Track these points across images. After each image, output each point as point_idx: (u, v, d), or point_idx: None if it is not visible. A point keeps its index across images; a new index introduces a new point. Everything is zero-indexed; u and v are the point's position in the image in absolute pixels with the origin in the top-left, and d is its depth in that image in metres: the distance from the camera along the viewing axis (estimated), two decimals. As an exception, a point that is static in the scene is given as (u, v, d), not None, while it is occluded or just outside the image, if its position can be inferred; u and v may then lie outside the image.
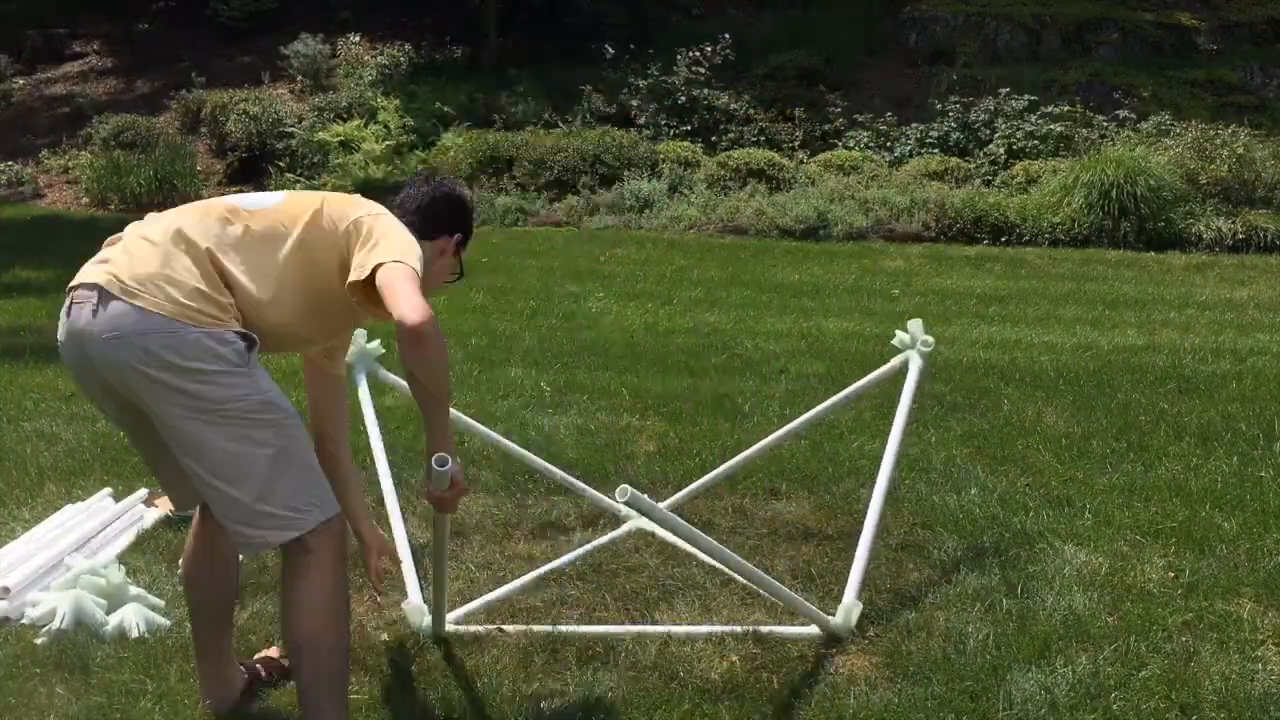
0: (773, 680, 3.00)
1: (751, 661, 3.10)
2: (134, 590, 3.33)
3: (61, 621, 3.18)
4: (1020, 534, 3.97)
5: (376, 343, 3.86)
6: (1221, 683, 3.00)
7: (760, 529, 4.04)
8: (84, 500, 4.12)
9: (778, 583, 3.02)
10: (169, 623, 3.24)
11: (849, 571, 3.39)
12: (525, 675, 3.01)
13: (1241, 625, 3.32)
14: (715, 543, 2.81)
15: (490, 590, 3.48)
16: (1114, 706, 2.89)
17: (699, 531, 2.77)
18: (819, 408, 4.11)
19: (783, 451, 4.85)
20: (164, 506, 4.05)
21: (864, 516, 3.56)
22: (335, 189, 12.30)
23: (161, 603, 3.37)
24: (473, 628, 3.23)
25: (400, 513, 3.68)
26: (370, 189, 11.94)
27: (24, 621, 3.27)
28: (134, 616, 3.20)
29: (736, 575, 2.95)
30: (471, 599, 3.43)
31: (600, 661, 3.02)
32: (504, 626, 3.24)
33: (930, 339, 3.88)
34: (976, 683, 2.98)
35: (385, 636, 3.23)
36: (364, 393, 3.88)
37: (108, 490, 4.19)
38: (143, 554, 3.77)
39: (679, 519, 2.70)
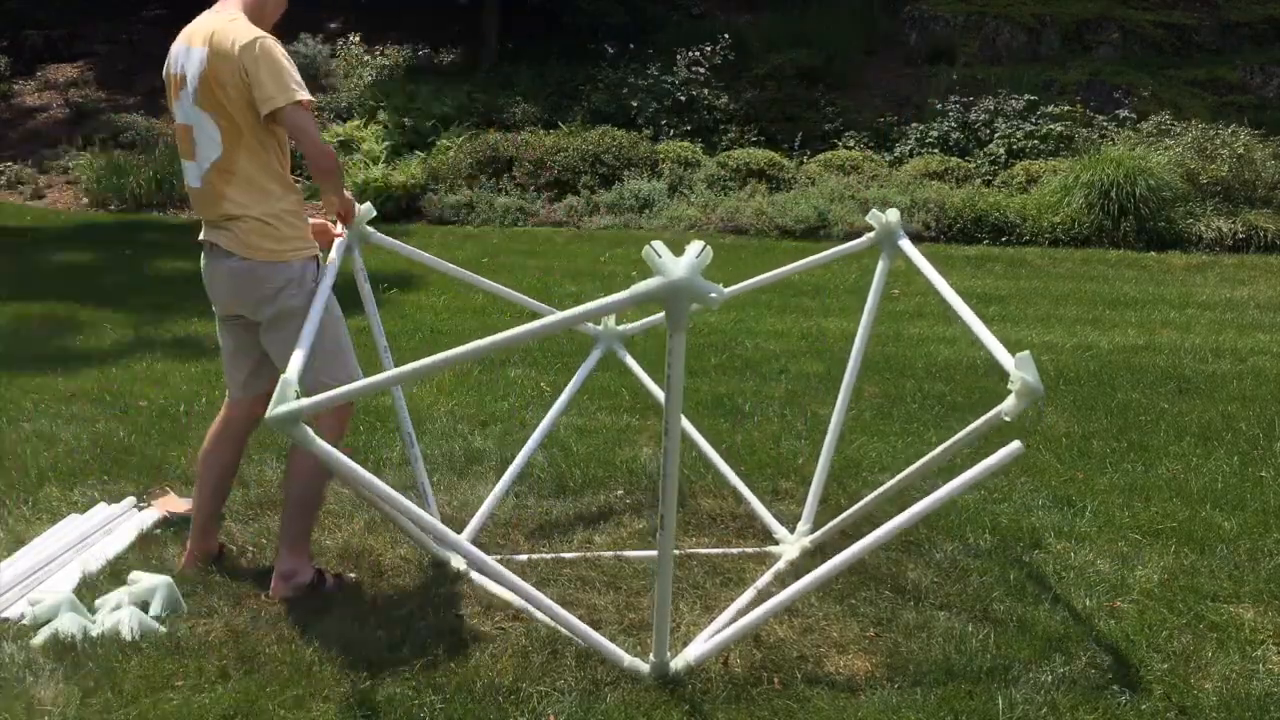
0: (773, 680, 3.00)
1: (751, 661, 3.09)
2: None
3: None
4: (1021, 534, 3.97)
5: (368, 205, 3.74)
6: (1222, 683, 3.00)
7: (760, 529, 4.04)
8: (104, 506, 4.13)
9: (588, 628, 3.04)
10: (163, 629, 3.23)
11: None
12: (525, 675, 3.00)
13: (1242, 625, 3.32)
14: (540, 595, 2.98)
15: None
16: (1114, 707, 2.89)
17: (532, 589, 2.96)
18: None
19: (783, 451, 4.85)
20: (161, 507, 4.04)
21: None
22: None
23: (164, 601, 3.36)
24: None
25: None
26: (370, 189, 11.95)
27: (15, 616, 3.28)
28: (129, 620, 3.20)
29: (550, 621, 3.06)
30: (469, 598, 3.43)
31: (599, 661, 3.02)
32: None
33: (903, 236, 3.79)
34: (976, 683, 2.98)
35: (381, 632, 3.23)
36: (359, 267, 3.78)
37: (130, 499, 4.18)
38: (138, 554, 3.76)
39: (515, 578, 2.94)
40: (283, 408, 2.58)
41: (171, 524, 3.96)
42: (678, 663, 2.97)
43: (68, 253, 10.24)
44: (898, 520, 2.90)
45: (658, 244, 2.48)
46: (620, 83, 13.48)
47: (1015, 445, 2.79)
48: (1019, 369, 2.73)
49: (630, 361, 4.28)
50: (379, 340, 3.80)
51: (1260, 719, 2.87)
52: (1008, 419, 2.74)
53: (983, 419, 2.84)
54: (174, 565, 3.65)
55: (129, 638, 3.14)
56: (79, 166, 13.30)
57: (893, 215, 3.74)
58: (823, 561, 3.06)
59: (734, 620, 3.13)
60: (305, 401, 2.59)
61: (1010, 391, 2.73)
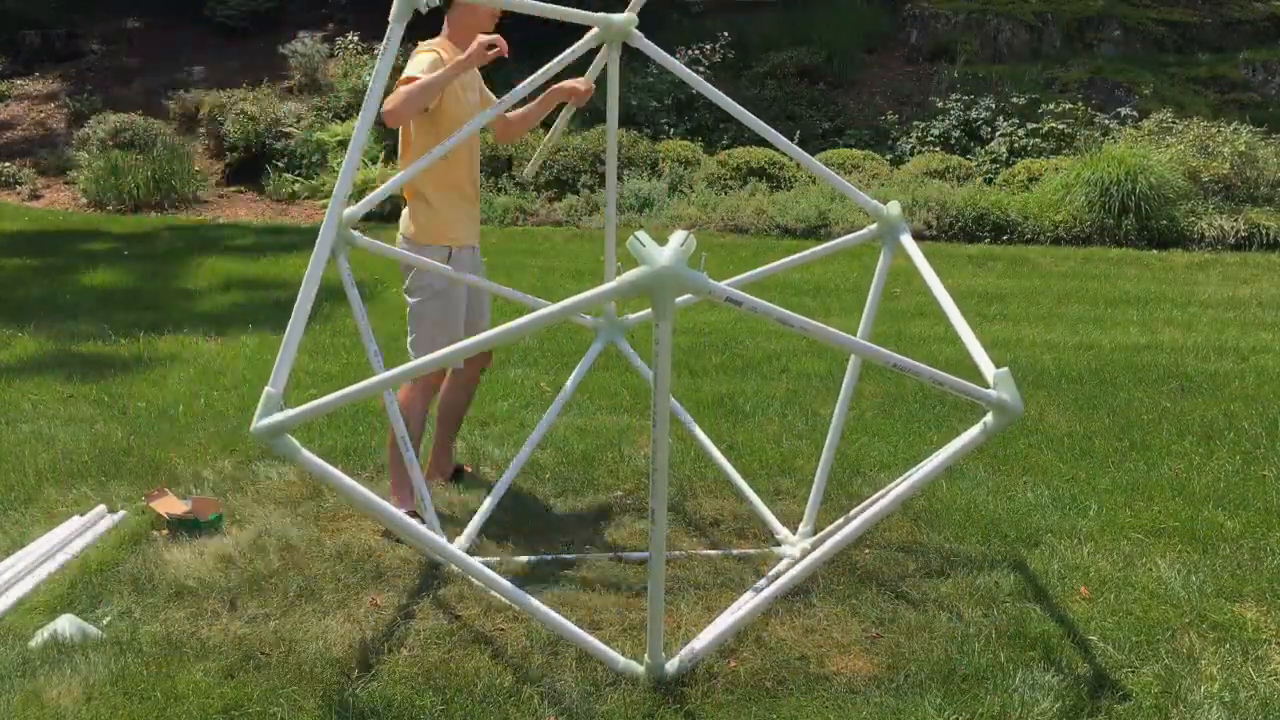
0: (775, 680, 2.99)
1: (752, 662, 3.08)
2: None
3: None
4: (1022, 534, 3.95)
5: (353, 208, 3.69)
6: (1224, 683, 2.98)
7: (761, 529, 4.02)
8: (103, 508, 4.12)
9: (583, 632, 3.01)
10: (101, 633, 3.20)
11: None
12: (525, 676, 2.99)
13: (1244, 625, 3.30)
14: (526, 595, 2.95)
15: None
16: (1115, 707, 2.87)
17: (516, 589, 2.93)
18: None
19: (783, 451, 4.83)
20: (161, 508, 4.02)
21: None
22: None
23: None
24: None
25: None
26: (369, 189, 11.95)
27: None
28: (68, 628, 3.17)
29: (545, 623, 3.00)
30: (469, 598, 3.42)
31: (599, 662, 3.00)
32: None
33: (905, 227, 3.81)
34: (978, 683, 2.96)
35: (382, 633, 3.21)
36: (345, 270, 3.72)
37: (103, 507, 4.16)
38: (128, 552, 3.75)
39: (500, 579, 2.90)
40: (267, 420, 2.53)
41: (168, 524, 3.94)
42: (672, 663, 2.95)
43: (58, 254, 10.22)
44: (882, 504, 2.89)
45: (641, 234, 2.47)
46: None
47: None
48: (998, 388, 2.69)
49: (631, 353, 4.25)
50: (369, 345, 3.77)
51: (1264, 719, 2.85)
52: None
53: (963, 439, 2.81)
54: (168, 566, 3.63)
55: (69, 642, 3.12)
56: (76, 166, 13.29)
57: (894, 208, 3.73)
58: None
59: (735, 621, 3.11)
60: (291, 412, 2.55)
61: (988, 407, 2.70)
